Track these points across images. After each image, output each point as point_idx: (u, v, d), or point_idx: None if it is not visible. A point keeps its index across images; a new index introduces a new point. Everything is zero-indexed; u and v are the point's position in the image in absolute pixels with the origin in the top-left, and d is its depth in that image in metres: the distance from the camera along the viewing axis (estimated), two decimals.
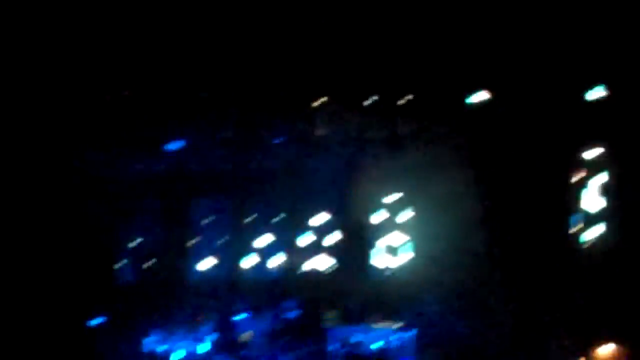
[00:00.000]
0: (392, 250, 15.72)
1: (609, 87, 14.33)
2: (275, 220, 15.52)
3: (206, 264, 15.33)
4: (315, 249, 15.75)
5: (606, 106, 14.34)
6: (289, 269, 15.77)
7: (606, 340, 14.65)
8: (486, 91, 14.30)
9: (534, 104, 14.34)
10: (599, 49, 13.98)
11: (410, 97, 14.44)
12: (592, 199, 15.05)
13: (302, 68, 14.07)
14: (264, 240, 15.45)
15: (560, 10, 13.76)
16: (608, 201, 15.00)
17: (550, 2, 13.75)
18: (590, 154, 14.87)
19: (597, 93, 14.35)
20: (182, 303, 15.53)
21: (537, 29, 13.94)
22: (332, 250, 15.77)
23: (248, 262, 15.43)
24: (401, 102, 14.45)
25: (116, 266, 14.91)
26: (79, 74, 13.09)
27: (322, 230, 15.64)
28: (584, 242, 14.86)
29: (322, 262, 15.67)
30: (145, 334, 15.15)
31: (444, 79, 14.31)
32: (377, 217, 15.59)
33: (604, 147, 14.77)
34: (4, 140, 13.23)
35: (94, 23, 12.82)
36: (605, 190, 14.99)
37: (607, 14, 13.68)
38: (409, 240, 15.73)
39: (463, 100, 14.37)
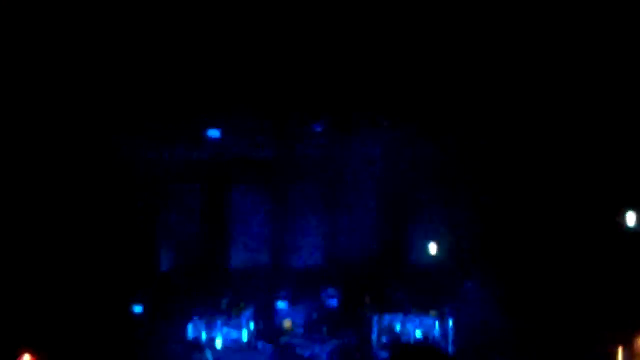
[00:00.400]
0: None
1: None
2: (315, 207, 15.70)
3: (247, 251, 15.50)
4: (355, 237, 15.86)
5: None
6: (330, 257, 15.90)
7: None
8: None
9: None
10: None
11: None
12: None
13: (342, 58, 14.11)
14: (305, 227, 15.61)
15: None
16: None
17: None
18: None
19: None
20: (224, 290, 15.78)
21: None
22: (371, 239, 15.86)
23: (288, 249, 15.58)
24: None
25: (159, 253, 15.19)
26: (125, 61, 13.31)
27: (362, 219, 15.75)
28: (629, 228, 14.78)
29: (362, 251, 15.75)
30: (188, 320, 15.39)
31: None
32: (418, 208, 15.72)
33: None
34: (47, 123, 13.52)
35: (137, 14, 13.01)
36: None
37: None
38: (446, 233, 15.78)
39: None
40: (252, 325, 15.70)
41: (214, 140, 14.81)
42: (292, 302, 16.05)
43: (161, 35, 13.27)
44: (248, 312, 15.76)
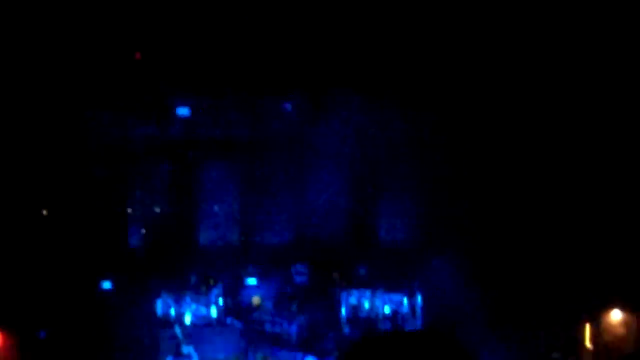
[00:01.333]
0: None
1: None
2: (284, 185, 15.64)
3: (216, 228, 15.49)
4: (325, 214, 15.79)
5: None
6: (299, 234, 15.89)
7: (612, 306, 14.92)
8: None
9: None
10: None
11: None
12: None
13: (314, 37, 14.15)
14: (275, 205, 15.58)
15: None
16: None
17: None
18: None
19: None
20: (193, 267, 15.76)
21: None
22: (341, 216, 15.81)
23: (258, 227, 15.60)
24: None
25: (127, 230, 15.16)
26: (92, 36, 13.27)
27: (332, 197, 15.71)
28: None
29: (332, 228, 15.75)
30: (157, 296, 15.43)
31: None
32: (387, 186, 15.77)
33: None
34: (17, 102, 13.41)
35: None
36: None
37: None
38: (414, 210, 15.81)
39: None
40: (221, 301, 15.75)
41: (184, 117, 14.81)
42: (262, 279, 16.11)
43: (133, 10, 13.28)
44: (217, 289, 15.77)
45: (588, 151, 14.34)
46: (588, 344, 15.24)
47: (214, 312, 15.70)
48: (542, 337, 14.94)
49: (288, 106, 15.26)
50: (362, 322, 15.66)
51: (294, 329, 15.70)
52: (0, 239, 13.80)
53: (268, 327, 15.79)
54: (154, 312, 15.45)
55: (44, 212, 14.21)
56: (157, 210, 15.41)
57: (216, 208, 15.56)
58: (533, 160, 14.52)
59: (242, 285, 16.06)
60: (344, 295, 15.88)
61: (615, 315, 15.08)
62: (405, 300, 15.68)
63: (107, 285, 15.13)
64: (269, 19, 13.86)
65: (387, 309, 15.69)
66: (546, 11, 13.85)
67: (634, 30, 13.63)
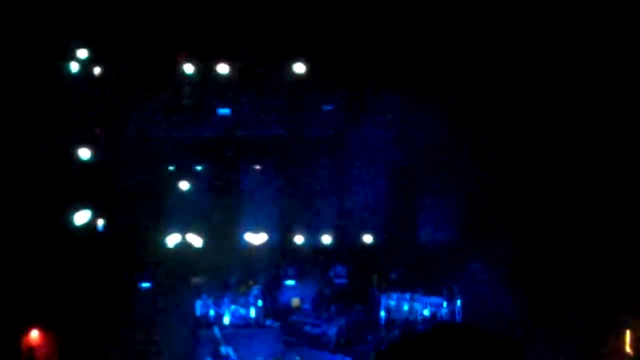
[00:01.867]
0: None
1: None
2: (323, 186, 15.88)
3: (256, 230, 15.71)
4: (364, 218, 16.03)
5: None
6: (339, 236, 16.04)
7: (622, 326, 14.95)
8: None
9: None
10: None
11: None
12: None
13: (354, 39, 14.29)
14: (315, 206, 15.82)
15: None
16: None
17: None
18: None
19: None
20: (232, 268, 16.05)
21: None
22: (379, 220, 16.03)
23: (298, 227, 15.77)
24: None
25: (168, 230, 15.37)
26: (142, 47, 13.79)
27: (371, 199, 15.94)
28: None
29: (371, 230, 15.95)
30: (196, 297, 15.75)
31: None
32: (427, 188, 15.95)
33: None
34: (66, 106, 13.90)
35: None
36: None
37: None
38: (454, 213, 16.01)
39: None
40: (260, 302, 16.01)
41: (225, 118, 15.07)
42: (300, 281, 16.36)
43: (183, 21, 13.70)
44: (256, 290, 16.06)
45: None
46: (629, 349, 15.02)
47: (252, 313, 15.94)
48: (583, 342, 14.85)
49: (328, 107, 15.46)
50: (401, 324, 15.84)
51: (332, 330, 15.88)
52: (47, 242, 14.17)
53: (307, 328, 15.96)
54: (193, 313, 15.72)
55: (89, 214, 14.49)
56: (198, 210, 15.62)
57: (256, 209, 15.79)
58: (575, 164, 14.57)
59: (281, 287, 16.31)
60: (382, 297, 16.07)
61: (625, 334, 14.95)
62: (444, 304, 15.87)
63: (146, 285, 15.41)
64: (307, 22, 14.04)
65: (426, 312, 15.88)
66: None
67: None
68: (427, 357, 2.57)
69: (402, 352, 2.67)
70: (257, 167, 15.77)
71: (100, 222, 14.98)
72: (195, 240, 15.50)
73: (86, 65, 14.10)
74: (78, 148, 14.52)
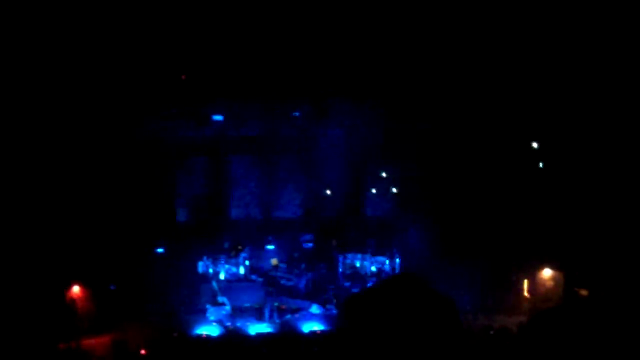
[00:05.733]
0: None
1: None
2: (294, 173, 18.33)
3: (243, 206, 18.22)
4: (326, 197, 18.48)
5: None
6: (306, 211, 18.46)
7: (543, 266, 17.70)
8: None
9: None
10: None
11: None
12: None
13: (317, 59, 16.57)
14: (287, 189, 18.36)
15: None
16: None
17: None
18: None
19: None
20: (225, 236, 18.27)
21: None
22: (338, 197, 18.50)
23: (275, 205, 18.20)
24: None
25: (176, 209, 17.98)
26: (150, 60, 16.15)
27: (331, 182, 18.38)
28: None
29: (331, 206, 18.54)
30: (198, 259, 17.95)
31: None
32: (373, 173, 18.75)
33: None
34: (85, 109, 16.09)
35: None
36: None
37: None
38: (394, 192, 18.52)
39: None
40: (247, 262, 18.20)
41: (219, 122, 17.66)
42: (278, 245, 18.47)
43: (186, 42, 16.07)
44: (244, 253, 18.24)
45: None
46: (526, 293, 17.97)
47: (242, 270, 18.03)
48: (493, 288, 17.53)
49: (296, 113, 17.89)
50: (355, 278, 17.91)
51: (302, 283, 17.94)
52: (86, 216, 16.48)
53: (283, 281, 17.94)
54: (196, 271, 17.79)
55: (117, 197, 17.07)
56: (199, 193, 18.00)
57: (243, 191, 18.13)
58: (483, 152, 17.12)
59: (263, 250, 18.37)
60: (340, 257, 18.29)
61: (546, 272, 17.84)
62: (387, 262, 18.27)
63: (160, 250, 17.80)
64: (282, 49, 16.38)
65: (373, 268, 18.14)
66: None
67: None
68: (388, 300, 2.52)
69: (366, 298, 2.63)
70: (243, 159, 18.13)
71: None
72: (197, 216, 18.02)
73: None
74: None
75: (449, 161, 17.62)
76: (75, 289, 16.76)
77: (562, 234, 16.74)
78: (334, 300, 17.21)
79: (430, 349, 2.39)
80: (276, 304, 17.21)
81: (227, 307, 17.13)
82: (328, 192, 18.56)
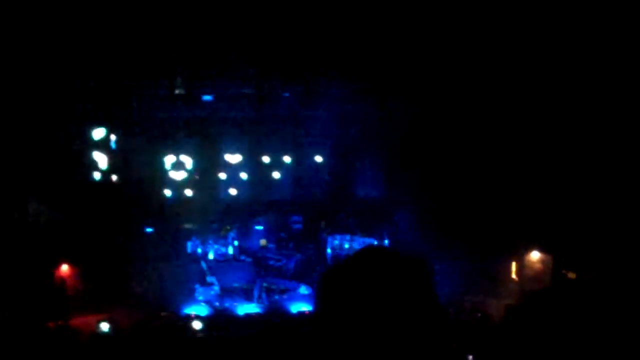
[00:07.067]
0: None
1: None
2: (284, 155, 18.34)
3: (233, 188, 18.23)
4: (315, 179, 18.52)
5: None
6: (295, 192, 18.54)
7: (532, 248, 17.86)
8: None
9: None
10: None
11: None
12: None
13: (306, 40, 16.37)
14: (276, 170, 18.34)
15: None
16: None
17: None
18: None
19: None
20: (214, 216, 18.38)
21: None
22: (327, 179, 18.60)
23: (264, 186, 18.22)
24: None
25: (166, 189, 18.04)
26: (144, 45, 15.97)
27: (320, 164, 18.58)
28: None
29: (320, 187, 18.63)
30: (187, 239, 18.11)
31: None
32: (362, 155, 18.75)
33: None
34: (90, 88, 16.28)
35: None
36: None
37: None
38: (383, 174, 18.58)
39: None
40: (236, 242, 18.33)
41: (208, 102, 17.67)
42: (267, 226, 18.65)
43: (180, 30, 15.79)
44: (233, 233, 18.41)
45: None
46: (514, 276, 18.17)
47: (230, 250, 18.14)
48: (479, 269, 17.68)
49: (286, 94, 17.84)
50: (343, 259, 17.29)
51: (290, 264, 18.11)
52: (74, 200, 16.57)
53: (271, 262, 18.11)
54: (185, 251, 17.94)
55: (109, 177, 17.32)
56: (188, 174, 18.07)
57: (232, 172, 18.11)
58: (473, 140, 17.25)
59: (252, 231, 18.52)
60: (329, 239, 18.37)
61: (534, 255, 17.99)
62: (376, 243, 17.91)
63: (150, 230, 17.90)
64: (273, 33, 16.14)
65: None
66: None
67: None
68: (359, 268, 2.48)
69: (341, 268, 2.55)
70: (233, 140, 18.16)
71: (115, 178, 17.46)
72: (187, 194, 18.07)
73: None
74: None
75: (438, 143, 17.67)
76: (64, 267, 16.76)
77: (551, 216, 16.67)
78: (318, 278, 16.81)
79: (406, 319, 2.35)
80: (265, 284, 17.29)
81: (216, 287, 17.19)
82: (317, 173, 18.68)
